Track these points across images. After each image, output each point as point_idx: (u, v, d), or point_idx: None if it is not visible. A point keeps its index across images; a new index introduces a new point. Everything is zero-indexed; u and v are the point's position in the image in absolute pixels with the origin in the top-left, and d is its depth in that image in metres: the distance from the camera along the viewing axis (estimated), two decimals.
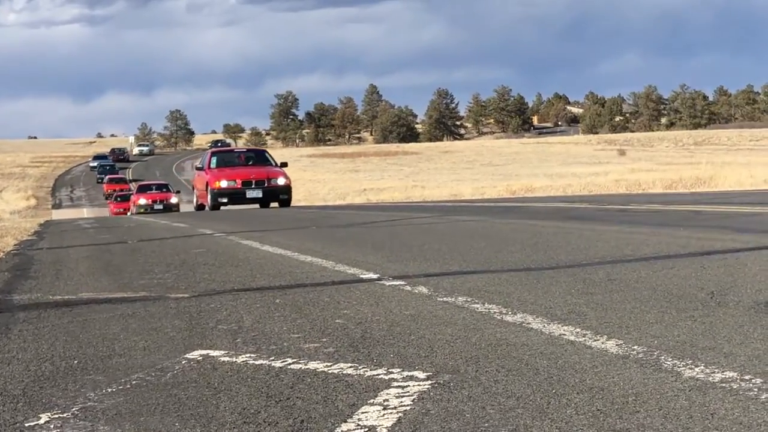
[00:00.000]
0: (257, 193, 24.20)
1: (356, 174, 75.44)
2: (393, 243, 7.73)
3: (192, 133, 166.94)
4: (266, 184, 24.43)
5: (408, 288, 4.74)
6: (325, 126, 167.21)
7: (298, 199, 47.28)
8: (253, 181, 24.30)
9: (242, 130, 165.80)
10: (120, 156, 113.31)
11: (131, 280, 5.88)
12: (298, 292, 4.86)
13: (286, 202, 24.90)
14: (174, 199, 40.06)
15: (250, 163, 25.78)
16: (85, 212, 54.27)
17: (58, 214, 46.72)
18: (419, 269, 5.52)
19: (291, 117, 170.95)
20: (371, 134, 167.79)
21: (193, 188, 29.06)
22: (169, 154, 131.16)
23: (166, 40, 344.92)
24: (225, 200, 24.31)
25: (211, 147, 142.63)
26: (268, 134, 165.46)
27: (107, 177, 69.73)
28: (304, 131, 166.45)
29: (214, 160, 26.02)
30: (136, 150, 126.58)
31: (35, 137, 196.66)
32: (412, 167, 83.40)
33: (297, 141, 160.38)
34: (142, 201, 39.14)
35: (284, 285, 5.18)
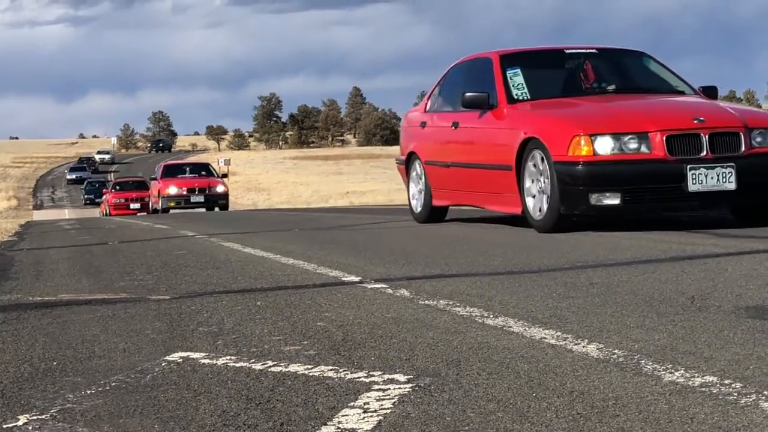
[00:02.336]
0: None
1: (339, 177, 75.43)
2: (376, 246, 7.73)
3: (175, 135, 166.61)
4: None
5: (390, 291, 4.73)
6: (309, 128, 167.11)
7: (280, 201, 47.19)
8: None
9: (225, 132, 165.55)
10: (92, 166, 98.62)
11: (112, 281, 5.86)
12: (280, 294, 4.85)
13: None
14: (221, 188, 31.08)
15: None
16: (66, 213, 54.05)
17: (39, 215, 46.53)
18: (401, 272, 5.52)
19: (274, 119, 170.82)
20: (355, 137, 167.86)
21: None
22: (150, 156, 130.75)
23: (151, 41, 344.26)
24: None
25: (151, 147, 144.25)
26: (251, 136, 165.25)
27: (110, 188, 48.42)
28: (287, 133, 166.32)
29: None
30: (97, 158, 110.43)
31: (17, 138, 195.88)
32: (395, 170, 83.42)
33: (280, 143, 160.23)
34: (173, 190, 30.19)
35: (266, 287, 5.17)
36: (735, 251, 5.81)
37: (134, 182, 42.23)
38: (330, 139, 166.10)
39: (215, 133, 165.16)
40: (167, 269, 6.41)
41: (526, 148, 8.00)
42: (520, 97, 8.62)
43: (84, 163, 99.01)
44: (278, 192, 58.87)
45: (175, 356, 3.38)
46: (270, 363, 3.18)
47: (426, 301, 4.31)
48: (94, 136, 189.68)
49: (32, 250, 9.14)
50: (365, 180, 68.73)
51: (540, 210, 7.89)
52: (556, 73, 9.26)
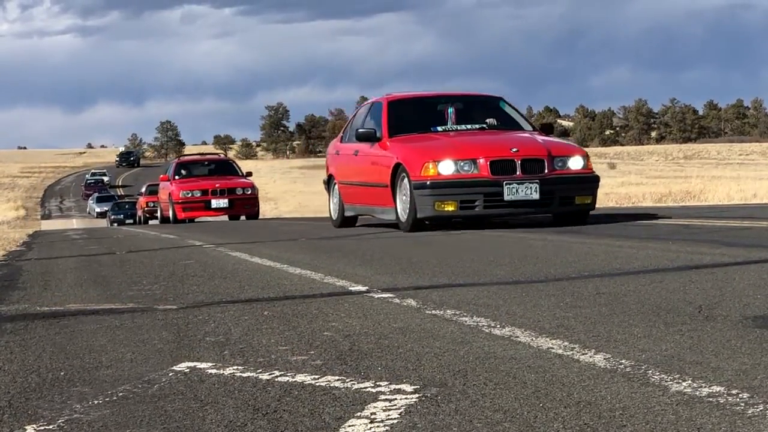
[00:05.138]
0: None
1: None
2: (382, 255, 7.73)
3: (182, 144, 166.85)
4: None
5: (397, 300, 4.73)
6: (316, 138, 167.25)
7: (288, 210, 47.21)
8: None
9: (233, 142, 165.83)
10: (104, 186, 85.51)
11: (119, 291, 5.87)
12: (287, 304, 4.85)
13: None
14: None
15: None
16: (74, 223, 54.17)
17: (47, 225, 46.60)
18: (408, 282, 5.52)
19: (281, 128, 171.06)
20: None
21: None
22: (160, 164, 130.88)
23: (159, 51, 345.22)
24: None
25: (120, 160, 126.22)
26: (258, 146, 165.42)
27: (143, 192, 43.86)
28: (294, 143, 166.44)
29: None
30: (104, 179, 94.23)
31: (25, 147, 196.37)
32: None
33: (287, 152, 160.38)
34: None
35: (273, 297, 5.18)
36: (743, 260, 5.80)
37: (214, 162, 26.60)
38: None
39: (223, 142, 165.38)
40: (174, 279, 6.41)
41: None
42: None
43: (101, 187, 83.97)
44: (286, 201, 58.86)
45: (182, 366, 3.38)
46: (277, 373, 3.18)
47: (433, 311, 4.30)
48: (102, 146, 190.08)
49: (40, 260, 9.15)
50: None
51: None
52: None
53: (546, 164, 10.41)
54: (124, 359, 3.59)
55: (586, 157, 10.79)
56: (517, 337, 3.57)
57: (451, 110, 11.83)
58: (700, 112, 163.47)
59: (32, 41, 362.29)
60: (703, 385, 2.69)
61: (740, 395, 2.55)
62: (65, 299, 5.58)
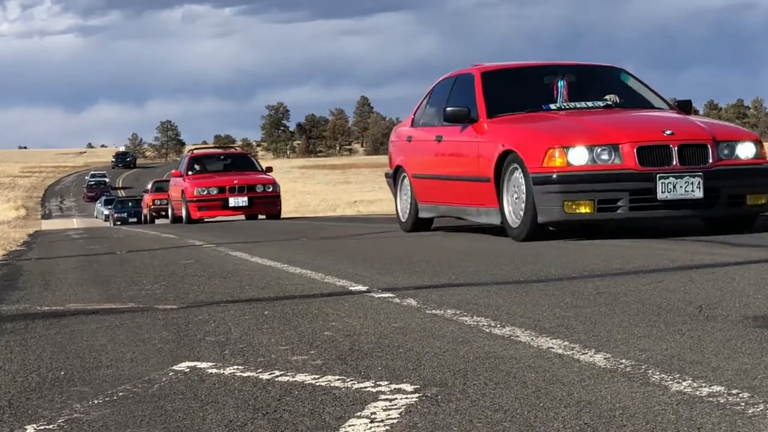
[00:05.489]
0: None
1: (347, 186, 75.45)
2: (383, 255, 7.73)
3: (182, 144, 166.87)
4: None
5: (397, 300, 4.73)
6: (317, 137, 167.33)
7: (288, 210, 47.32)
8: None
9: (233, 141, 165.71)
10: (107, 188, 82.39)
11: (120, 291, 5.87)
12: (287, 303, 4.86)
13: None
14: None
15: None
16: (74, 223, 54.18)
17: (47, 225, 46.61)
18: (408, 281, 5.52)
19: (282, 128, 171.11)
20: (362, 146, 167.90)
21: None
22: (159, 164, 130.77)
23: (160, 50, 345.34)
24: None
25: (116, 161, 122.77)
26: (259, 145, 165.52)
27: (149, 189, 40.45)
28: (295, 143, 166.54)
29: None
30: (105, 180, 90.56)
31: (25, 147, 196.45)
32: None
33: (288, 152, 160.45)
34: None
35: (273, 297, 5.18)
36: (743, 260, 5.80)
37: (231, 156, 24.51)
38: (338, 148, 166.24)
39: (223, 142, 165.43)
40: (174, 279, 6.41)
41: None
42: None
43: (103, 189, 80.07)
44: (286, 201, 58.78)
45: (183, 366, 3.38)
46: (277, 373, 3.18)
47: (433, 311, 4.30)
48: (102, 146, 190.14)
49: (40, 260, 9.16)
50: (373, 189, 68.69)
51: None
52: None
53: (710, 152, 7.92)
54: (125, 359, 3.59)
55: (758, 143, 8.21)
56: (518, 336, 3.57)
57: (561, 84, 9.24)
58: (701, 112, 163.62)
59: (33, 41, 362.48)
60: (704, 384, 2.69)
61: (740, 395, 2.55)
62: (65, 299, 5.59)
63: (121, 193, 75.90)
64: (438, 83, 10.41)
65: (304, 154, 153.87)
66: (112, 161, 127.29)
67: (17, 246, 11.99)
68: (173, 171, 23.72)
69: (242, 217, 21.68)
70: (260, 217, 21.72)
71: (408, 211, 10.56)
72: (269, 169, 22.83)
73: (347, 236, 10.97)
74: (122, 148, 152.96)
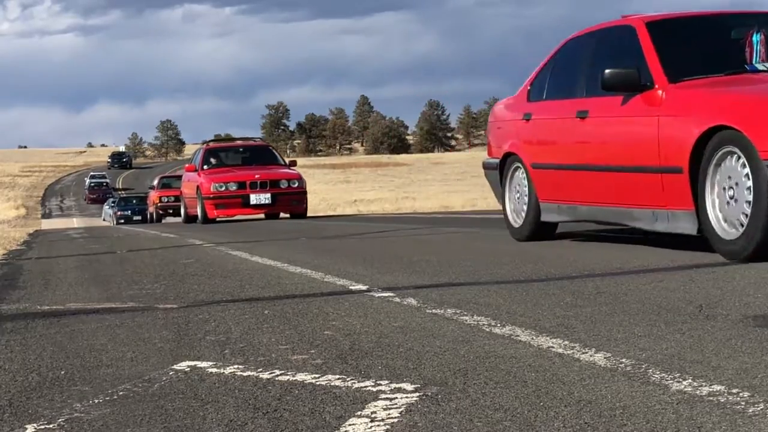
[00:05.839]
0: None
1: (347, 185, 75.47)
2: (383, 254, 7.73)
3: (182, 143, 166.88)
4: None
5: (397, 300, 4.73)
6: (316, 137, 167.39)
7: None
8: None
9: (233, 141, 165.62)
10: (108, 189, 78.34)
11: (120, 290, 5.87)
12: (287, 303, 4.86)
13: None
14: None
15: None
16: (75, 222, 54.17)
17: (47, 224, 46.61)
18: (408, 281, 5.52)
19: (282, 128, 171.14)
20: (362, 145, 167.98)
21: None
22: (159, 164, 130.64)
23: (160, 50, 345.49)
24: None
25: (113, 161, 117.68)
26: None
27: (155, 186, 36.91)
28: (295, 142, 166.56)
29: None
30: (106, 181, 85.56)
31: (25, 146, 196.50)
32: (402, 178, 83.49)
33: (288, 151, 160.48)
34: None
35: (273, 296, 5.18)
36: (743, 260, 5.79)
37: (250, 149, 21.64)
38: (337, 147, 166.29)
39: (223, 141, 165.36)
40: (175, 278, 6.42)
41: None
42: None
43: (105, 190, 75.99)
44: None
45: (183, 365, 3.38)
46: (277, 372, 3.18)
47: (433, 310, 4.30)
48: (102, 145, 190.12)
49: (40, 259, 9.16)
50: (373, 188, 68.77)
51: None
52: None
53: None
54: (125, 358, 3.59)
55: None
56: (518, 336, 3.57)
57: (757, 38, 6.55)
58: None
59: (33, 40, 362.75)
60: (704, 384, 2.69)
61: (741, 394, 2.55)
62: (66, 298, 5.59)
63: (122, 194, 74.87)
64: (567, 43, 7.89)
65: (304, 154, 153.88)
66: (108, 162, 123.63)
67: (17, 245, 11.99)
68: (186, 165, 21.22)
69: (262, 216, 19.57)
70: (281, 215, 19.90)
71: (525, 213, 8.01)
72: (293, 163, 20.73)
73: (347, 236, 10.97)
74: (122, 148, 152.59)
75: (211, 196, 18.77)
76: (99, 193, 76.41)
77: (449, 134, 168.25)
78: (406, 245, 8.75)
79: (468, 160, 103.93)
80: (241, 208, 18.91)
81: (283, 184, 19.10)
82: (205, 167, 19.75)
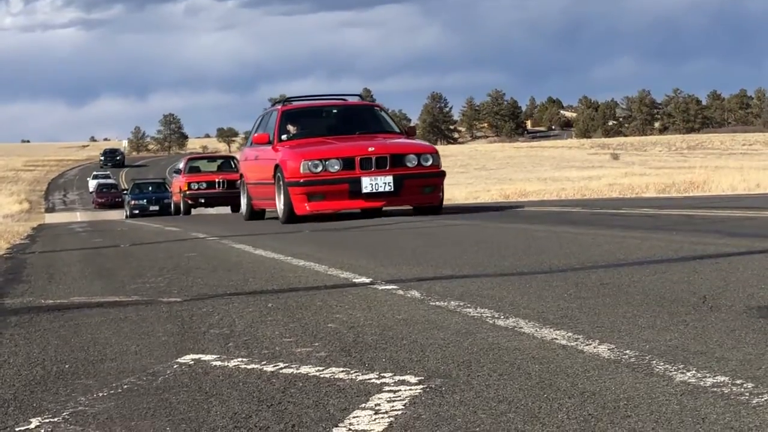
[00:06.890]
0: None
1: None
2: (386, 247, 7.73)
3: (185, 137, 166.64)
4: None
5: (401, 292, 4.73)
6: None
7: None
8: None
9: (236, 134, 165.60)
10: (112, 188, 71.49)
11: (124, 284, 5.87)
12: (291, 296, 4.86)
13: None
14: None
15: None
16: (78, 216, 54.17)
17: (51, 218, 46.63)
18: (412, 273, 5.52)
19: None
20: None
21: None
22: (163, 158, 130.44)
23: (163, 44, 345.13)
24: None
25: (105, 159, 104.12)
26: None
27: (181, 169, 29.79)
28: None
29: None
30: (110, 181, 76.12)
31: (28, 141, 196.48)
32: None
33: None
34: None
35: (277, 289, 5.18)
36: (746, 250, 5.79)
37: (347, 110, 14.92)
38: None
39: (226, 135, 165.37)
40: (178, 271, 6.42)
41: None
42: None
43: (115, 194, 66.55)
44: None
45: (187, 358, 3.39)
46: (281, 365, 3.18)
47: (437, 302, 4.30)
48: (105, 139, 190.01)
49: (44, 253, 9.17)
50: None
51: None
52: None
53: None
54: (129, 352, 3.60)
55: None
56: (521, 327, 3.58)
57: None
58: (704, 103, 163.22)
59: (35, 35, 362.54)
60: (708, 375, 2.69)
61: (745, 385, 2.55)
62: (70, 292, 5.59)
63: (123, 179, 71.10)
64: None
65: None
66: (101, 159, 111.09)
67: (21, 239, 12.00)
68: (255, 135, 14.47)
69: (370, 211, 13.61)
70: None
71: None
72: (411, 132, 14.11)
73: (350, 228, 10.96)
74: (124, 142, 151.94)
75: (302, 180, 12.47)
76: (108, 198, 68.15)
77: (452, 127, 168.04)
78: (410, 237, 8.75)
79: (470, 153, 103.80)
80: (349, 198, 12.60)
81: (411, 161, 12.71)
82: (283, 137, 13.58)
